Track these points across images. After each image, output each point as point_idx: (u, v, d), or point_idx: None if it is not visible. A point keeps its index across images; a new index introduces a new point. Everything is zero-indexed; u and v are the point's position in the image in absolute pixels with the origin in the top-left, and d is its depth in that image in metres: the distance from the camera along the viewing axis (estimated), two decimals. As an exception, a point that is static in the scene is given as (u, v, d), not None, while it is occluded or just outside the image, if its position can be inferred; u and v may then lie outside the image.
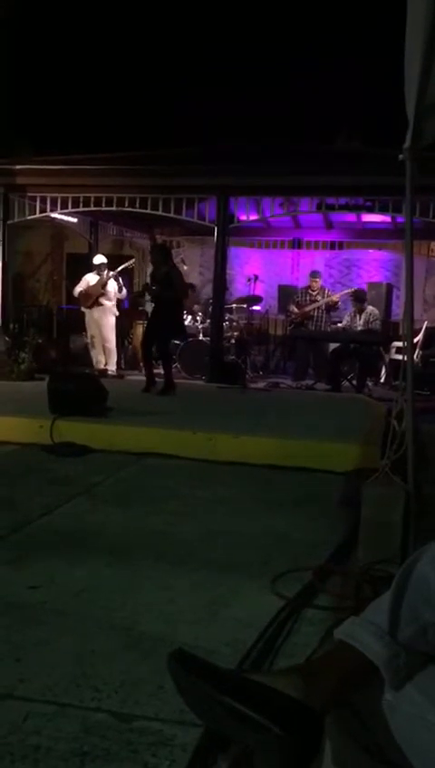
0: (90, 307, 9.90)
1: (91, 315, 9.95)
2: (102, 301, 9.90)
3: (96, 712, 1.87)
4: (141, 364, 8.88)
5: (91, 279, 10.00)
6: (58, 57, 18.24)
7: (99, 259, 10.15)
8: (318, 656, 1.35)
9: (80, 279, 10.18)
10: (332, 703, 1.04)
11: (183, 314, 8.77)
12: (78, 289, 10.02)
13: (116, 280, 10.01)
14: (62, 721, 1.82)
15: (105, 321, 9.90)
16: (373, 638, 1.04)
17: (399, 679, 1.03)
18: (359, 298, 9.78)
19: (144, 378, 8.22)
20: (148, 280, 9.14)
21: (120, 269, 10.15)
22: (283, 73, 17.69)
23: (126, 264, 10.49)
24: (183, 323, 8.67)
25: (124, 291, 10.24)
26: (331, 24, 17.49)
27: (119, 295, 10.15)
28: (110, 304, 9.97)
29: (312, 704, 1.00)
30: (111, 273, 9.96)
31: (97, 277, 9.94)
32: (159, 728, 1.80)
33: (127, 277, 10.92)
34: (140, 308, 10.82)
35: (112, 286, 10.00)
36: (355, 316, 9.68)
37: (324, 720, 1.03)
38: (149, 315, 8.31)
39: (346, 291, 10.55)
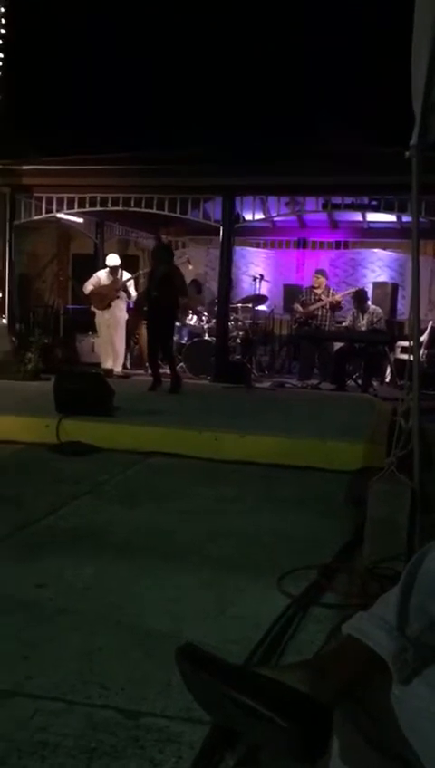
0: (103, 309, 9.87)
1: (102, 316, 9.89)
2: (115, 302, 9.87)
3: (103, 709, 1.87)
4: (147, 364, 8.91)
5: (103, 278, 9.90)
6: (63, 57, 18.28)
7: (113, 260, 9.94)
8: (326, 651, 1.35)
9: (87, 279, 10.11)
10: (340, 697, 1.04)
11: (177, 315, 8.81)
12: (89, 287, 9.90)
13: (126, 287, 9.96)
14: (70, 718, 1.83)
15: (115, 321, 9.88)
16: (382, 633, 1.05)
17: (406, 673, 1.03)
18: (359, 298, 9.76)
19: (149, 377, 8.25)
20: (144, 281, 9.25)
21: (135, 276, 10.09)
22: (283, 71, 17.66)
23: (139, 272, 10.46)
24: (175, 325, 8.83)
25: (134, 294, 10.15)
26: (332, 19, 17.43)
27: (129, 300, 10.11)
28: (122, 305, 9.95)
29: (320, 698, 1.00)
30: (128, 277, 9.90)
31: (110, 277, 9.85)
32: (166, 725, 1.81)
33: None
34: (145, 308, 10.80)
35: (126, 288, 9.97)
36: (358, 316, 9.66)
37: (333, 715, 1.03)
38: (148, 315, 8.31)
39: (348, 291, 10.52)
